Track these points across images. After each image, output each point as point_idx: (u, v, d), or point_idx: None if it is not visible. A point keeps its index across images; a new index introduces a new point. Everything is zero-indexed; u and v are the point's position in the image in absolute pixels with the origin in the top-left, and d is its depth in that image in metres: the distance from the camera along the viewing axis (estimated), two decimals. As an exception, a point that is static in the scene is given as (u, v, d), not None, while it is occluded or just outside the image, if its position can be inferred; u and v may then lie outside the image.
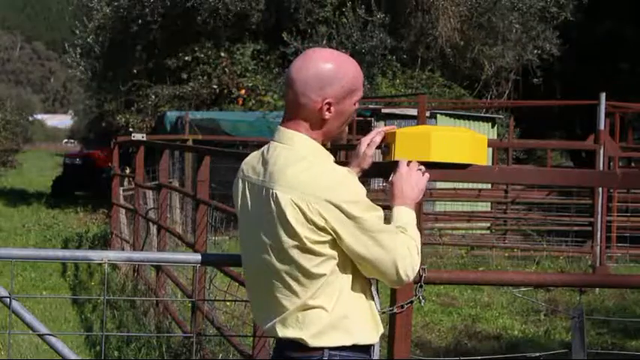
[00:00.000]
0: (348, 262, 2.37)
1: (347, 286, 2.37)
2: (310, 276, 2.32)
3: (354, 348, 2.38)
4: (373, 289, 2.53)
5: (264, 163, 2.41)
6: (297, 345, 2.37)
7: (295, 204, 2.28)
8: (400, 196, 2.54)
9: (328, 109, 2.38)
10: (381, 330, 2.49)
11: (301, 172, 2.31)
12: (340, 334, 2.35)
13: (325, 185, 2.28)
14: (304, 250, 2.30)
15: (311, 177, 2.29)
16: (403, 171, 2.59)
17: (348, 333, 2.36)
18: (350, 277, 2.38)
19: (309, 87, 2.37)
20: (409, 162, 2.63)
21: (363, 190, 2.34)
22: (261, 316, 2.48)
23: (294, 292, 2.35)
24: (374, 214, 2.32)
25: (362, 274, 2.41)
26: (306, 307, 2.34)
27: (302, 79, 2.37)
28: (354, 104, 2.46)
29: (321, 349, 2.35)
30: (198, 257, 3.08)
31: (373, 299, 2.48)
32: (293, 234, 2.29)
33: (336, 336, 2.35)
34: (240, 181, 2.52)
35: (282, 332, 2.38)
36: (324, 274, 2.32)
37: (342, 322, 2.35)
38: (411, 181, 2.57)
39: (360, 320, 2.39)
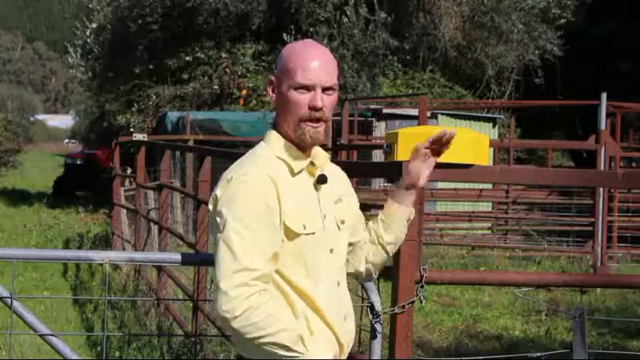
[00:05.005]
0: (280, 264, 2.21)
1: (275, 293, 2.20)
2: None
3: None
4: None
5: None
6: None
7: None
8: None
9: (271, 89, 2.34)
10: (323, 334, 2.25)
11: (233, 165, 2.29)
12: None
13: (226, 178, 2.23)
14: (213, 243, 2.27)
15: (228, 170, 2.26)
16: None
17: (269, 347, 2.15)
18: (279, 283, 2.21)
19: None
20: None
21: (253, 201, 2.16)
22: None
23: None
24: (239, 229, 2.13)
25: (285, 279, 2.22)
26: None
27: None
28: (297, 91, 2.26)
29: None
30: (201, 257, 3.08)
31: (309, 302, 2.24)
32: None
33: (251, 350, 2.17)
34: None
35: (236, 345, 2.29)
36: None
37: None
38: None
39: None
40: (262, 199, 2.18)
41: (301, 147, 2.30)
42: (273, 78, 2.32)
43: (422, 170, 2.46)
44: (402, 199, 2.51)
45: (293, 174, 2.27)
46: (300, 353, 2.14)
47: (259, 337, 2.10)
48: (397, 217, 2.51)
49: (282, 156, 2.28)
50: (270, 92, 2.33)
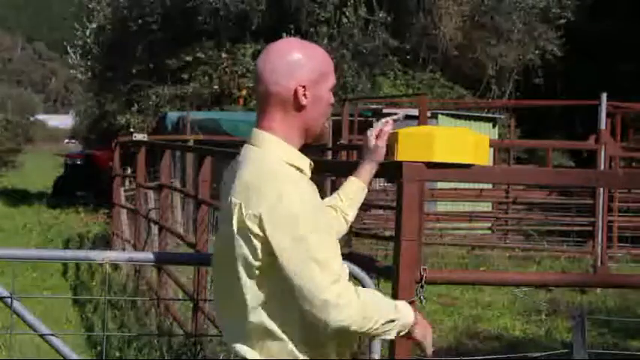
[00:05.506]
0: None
1: (295, 308, 2.17)
2: (248, 289, 2.19)
3: None
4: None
5: (236, 165, 2.32)
6: None
7: (239, 208, 2.16)
8: (416, 313, 2.38)
9: (304, 95, 2.25)
10: (347, 352, 2.33)
11: (252, 176, 2.19)
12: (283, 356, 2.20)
13: (270, 193, 2.13)
14: (243, 260, 2.18)
15: (259, 183, 2.16)
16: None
17: (291, 355, 2.20)
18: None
19: (279, 74, 2.25)
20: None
21: (314, 208, 2.17)
22: (223, 325, 2.40)
23: (240, 306, 2.22)
24: (316, 239, 2.13)
25: None
26: (253, 325, 2.21)
27: (269, 69, 2.26)
28: (330, 91, 2.33)
29: None
30: (201, 257, 3.08)
31: None
32: (234, 242, 2.18)
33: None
34: (222, 184, 2.43)
35: (242, 351, 2.27)
36: (265, 292, 2.19)
37: (294, 347, 2.20)
38: (427, 325, 2.44)
39: (316, 347, 2.23)
40: (318, 207, 2.19)
41: (299, 148, 2.31)
42: (305, 83, 2.26)
43: (382, 148, 2.68)
44: (366, 176, 2.69)
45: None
46: (399, 318, 2.27)
47: (372, 326, 2.19)
48: (360, 195, 2.68)
49: (291, 161, 2.25)
50: (303, 97, 2.26)
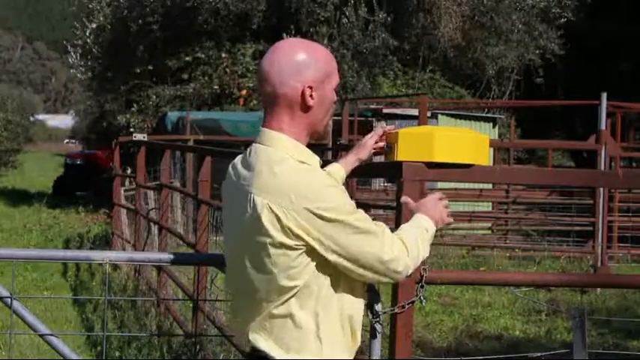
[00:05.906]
0: (326, 274, 2.28)
1: (323, 300, 2.28)
2: (281, 284, 2.24)
3: None
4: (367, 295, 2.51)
5: (246, 165, 2.33)
6: (264, 357, 2.30)
7: (271, 209, 2.20)
8: (425, 210, 2.60)
9: (311, 95, 2.30)
10: (358, 344, 2.40)
11: (278, 175, 2.22)
12: (308, 350, 2.27)
13: (302, 190, 2.19)
14: (277, 257, 2.22)
15: (288, 181, 2.21)
16: (431, 197, 2.65)
17: (317, 348, 2.27)
18: (327, 290, 2.28)
19: (287, 75, 2.29)
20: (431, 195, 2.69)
21: (342, 194, 2.26)
22: (236, 320, 2.43)
23: (265, 300, 2.28)
24: (354, 217, 2.25)
25: (341, 288, 2.32)
26: (275, 317, 2.28)
27: (276, 69, 2.29)
28: (334, 90, 2.39)
29: None
30: (201, 257, 3.08)
31: (357, 312, 2.39)
32: (267, 240, 2.22)
33: (304, 351, 2.26)
34: (226, 183, 2.47)
35: (253, 339, 2.31)
36: (296, 286, 2.24)
37: (312, 336, 2.27)
38: (437, 206, 2.63)
39: (332, 337, 2.30)
40: (341, 188, 2.31)
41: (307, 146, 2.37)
42: (311, 84, 2.30)
43: (369, 147, 2.90)
44: (348, 167, 2.89)
45: None
46: (431, 236, 2.61)
47: (422, 258, 2.52)
48: (339, 179, 2.85)
49: (303, 158, 2.29)
50: (310, 98, 2.31)
